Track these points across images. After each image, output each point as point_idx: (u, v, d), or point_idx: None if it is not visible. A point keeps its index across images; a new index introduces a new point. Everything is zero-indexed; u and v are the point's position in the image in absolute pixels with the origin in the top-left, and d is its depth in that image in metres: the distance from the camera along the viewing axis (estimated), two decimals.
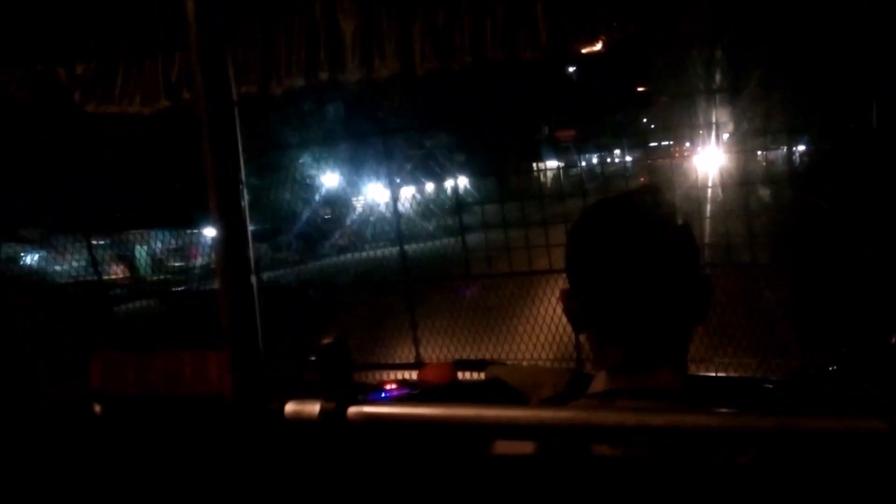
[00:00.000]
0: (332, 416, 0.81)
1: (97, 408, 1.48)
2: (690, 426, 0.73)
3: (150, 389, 1.87)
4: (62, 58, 2.95)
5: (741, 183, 3.62)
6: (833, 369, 1.77)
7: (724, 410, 0.73)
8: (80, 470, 1.36)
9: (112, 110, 2.91)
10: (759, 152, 3.97)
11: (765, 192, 3.74)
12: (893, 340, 0.60)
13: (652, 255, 0.94)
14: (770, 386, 1.81)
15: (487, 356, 3.77)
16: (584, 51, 2.32)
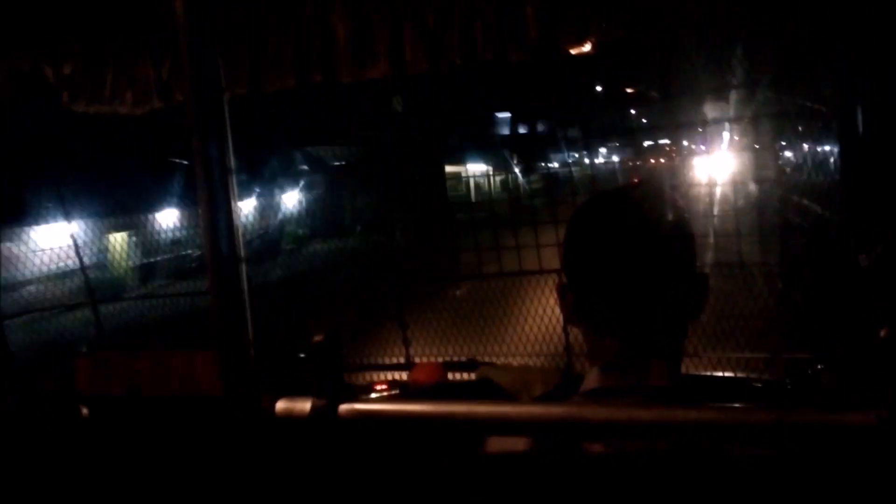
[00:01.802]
0: (324, 414, 0.81)
1: (84, 410, 1.47)
2: (681, 421, 0.73)
3: (137, 390, 1.85)
4: (49, 56, 2.92)
5: (741, 182, 3.65)
6: (820, 367, 1.78)
7: (714, 406, 0.74)
8: (69, 472, 1.35)
9: (102, 111, 2.88)
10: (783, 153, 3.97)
11: (757, 192, 3.76)
12: (882, 334, 0.61)
13: (648, 249, 0.94)
14: (760, 385, 1.82)
15: (477, 356, 3.77)
16: (573, 52, 2.33)
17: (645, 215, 0.97)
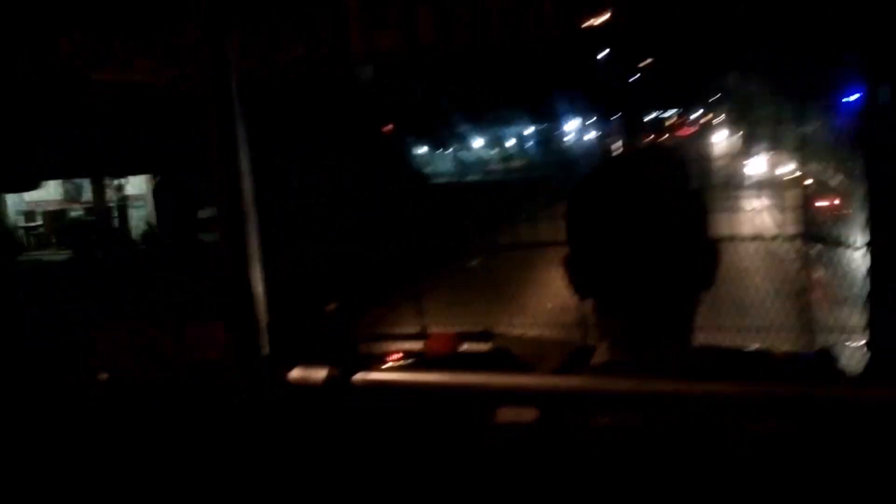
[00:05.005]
0: (338, 383, 0.80)
1: (104, 375, 1.48)
2: (697, 394, 0.72)
3: (154, 360, 1.87)
4: (62, 26, 2.92)
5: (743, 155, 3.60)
6: (844, 343, 1.75)
7: (730, 379, 0.72)
8: (88, 441, 1.36)
9: (119, 79, 2.88)
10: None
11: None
12: None
13: (655, 218, 0.91)
14: (779, 358, 1.79)
15: (492, 327, 3.77)
16: (583, 25, 2.28)
17: (650, 182, 0.93)
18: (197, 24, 0.89)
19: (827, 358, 1.76)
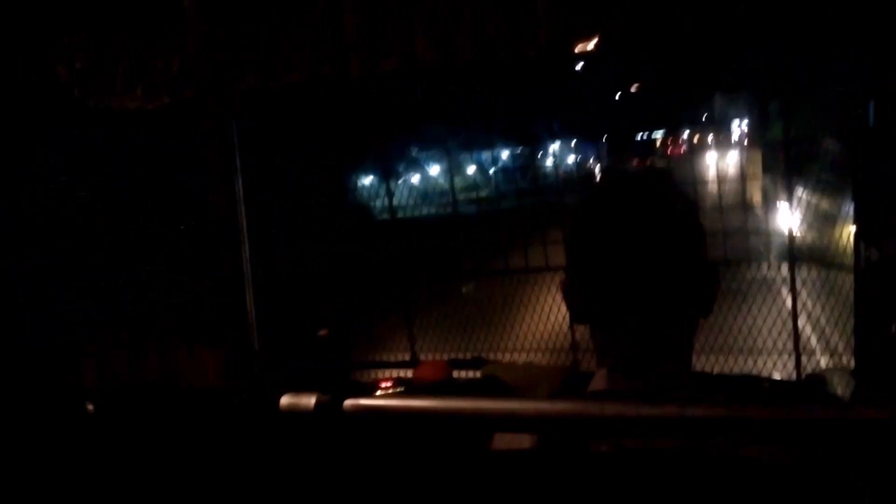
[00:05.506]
0: (328, 409, 0.80)
1: (90, 406, 1.47)
2: (690, 419, 0.73)
3: (143, 383, 1.87)
4: (60, 52, 2.94)
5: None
6: (830, 366, 1.76)
7: (723, 403, 0.73)
8: (75, 467, 1.35)
9: (114, 105, 2.88)
10: None
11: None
12: (894, 330, 0.60)
13: (654, 241, 0.91)
14: (769, 384, 1.81)
15: (483, 353, 3.77)
16: (577, 49, 2.31)
17: (650, 205, 0.93)
18: (199, 51, 0.90)
19: (817, 382, 1.78)
